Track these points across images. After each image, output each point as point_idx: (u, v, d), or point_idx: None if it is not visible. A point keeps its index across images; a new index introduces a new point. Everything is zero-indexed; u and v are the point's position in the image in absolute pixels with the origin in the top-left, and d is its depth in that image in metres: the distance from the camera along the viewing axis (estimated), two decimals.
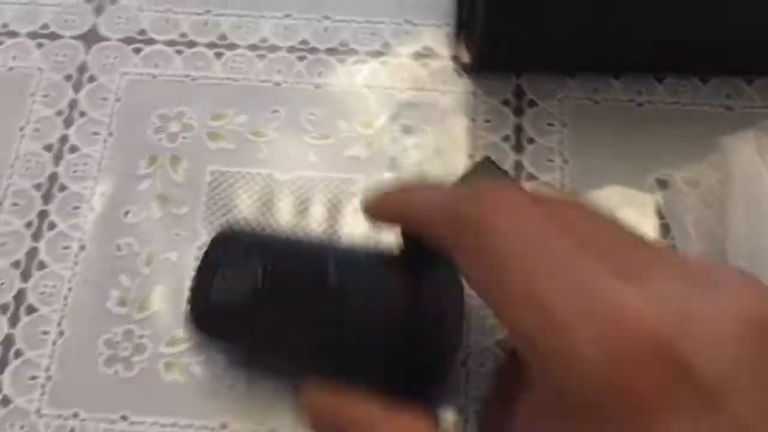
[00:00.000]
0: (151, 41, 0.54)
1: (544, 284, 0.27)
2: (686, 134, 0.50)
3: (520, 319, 0.28)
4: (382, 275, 0.39)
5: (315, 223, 0.48)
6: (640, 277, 0.27)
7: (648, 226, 0.47)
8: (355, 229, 0.47)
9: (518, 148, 0.50)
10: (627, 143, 0.50)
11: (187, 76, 0.52)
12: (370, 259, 0.40)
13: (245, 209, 0.48)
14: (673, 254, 0.29)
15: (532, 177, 0.49)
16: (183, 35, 0.54)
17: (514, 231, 0.29)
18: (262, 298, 0.39)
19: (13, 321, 0.45)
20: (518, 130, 0.50)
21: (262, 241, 0.41)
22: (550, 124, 0.51)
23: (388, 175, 0.49)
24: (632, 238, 0.31)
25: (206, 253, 0.41)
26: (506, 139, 0.50)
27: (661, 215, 0.47)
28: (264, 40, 0.54)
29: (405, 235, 0.38)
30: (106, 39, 0.54)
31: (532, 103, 0.51)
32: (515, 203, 0.30)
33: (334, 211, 0.48)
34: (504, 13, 0.47)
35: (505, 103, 0.51)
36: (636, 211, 0.48)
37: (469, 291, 0.39)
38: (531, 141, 0.50)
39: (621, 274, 0.27)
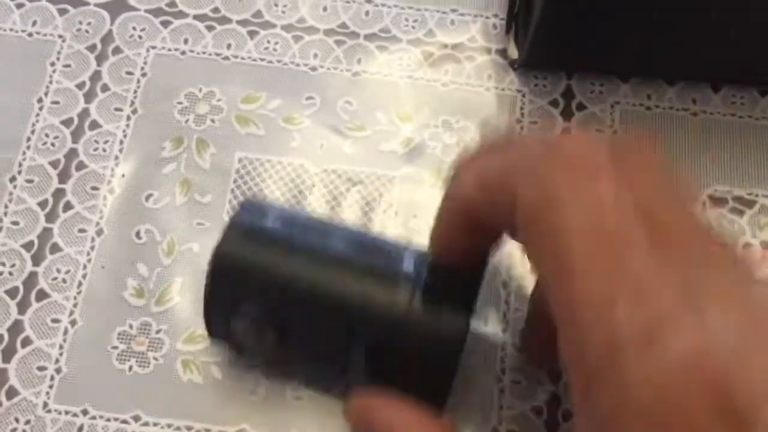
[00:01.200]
0: (180, 14, 0.51)
1: (608, 295, 0.25)
2: (743, 148, 0.47)
3: (578, 340, 0.26)
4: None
5: (347, 218, 0.45)
6: (706, 297, 0.24)
7: None
8: (389, 229, 0.44)
9: None
10: (679, 154, 0.47)
11: (218, 54, 0.49)
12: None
13: (275, 199, 0.45)
14: (742, 267, 0.26)
15: None
16: (215, 10, 0.51)
17: (584, 223, 0.26)
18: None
19: (23, 307, 0.43)
20: (567, 133, 0.48)
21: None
22: (599, 130, 0.48)
23: (427, 175, 0.46)
24: (704, 234, 0.27)
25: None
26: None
27: None
28: (301, 21, 0.51)
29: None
30: (134, 9, 0.51)
31: (581, 106, 0.48)
32: (589, 174, 0.27)
33: (367, 208, 0.45)
34: (562, 6, 0.44)
35: (554, 104, 0.48)
36: None
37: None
38: None
39: (687, 293, 0.24)
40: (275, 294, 0.36)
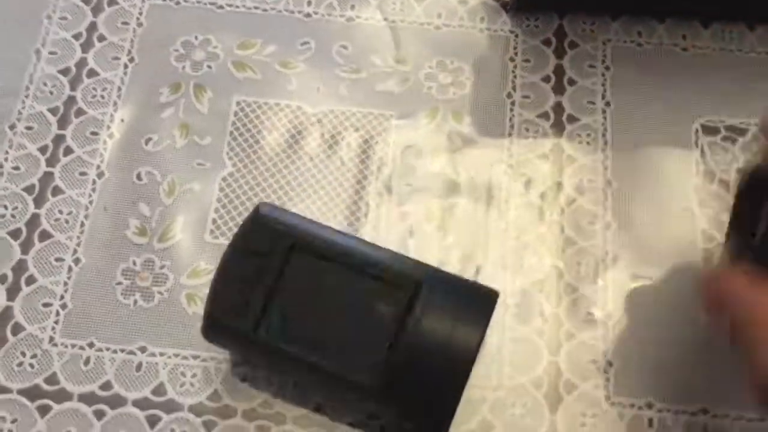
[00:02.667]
0: None
1: None
2: (732, 81, 0.48)
3: None
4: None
5: (345, 158, 0.45)
6: None
7: (690, 173, 0.45)
8: (386, 165, 0.45)
9: (559, 89, 0.48)
10: (671, 88, 0.48)
11: (212, 3, 0.50)
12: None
13: (272, 141, 0.46)
14: None
15: (573, 118, 0.47)
16: None
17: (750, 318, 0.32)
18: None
19: (26, 247, 0.43)
20: (559, 71, 0.48)
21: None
22: (591, 66, 0.48)
23: (422, 114, 0.46)
24: None
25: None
26: (547, 79, 0.48)
27: (704, 162, 0.45)
28: None
29: None
30: None
31: (573, 45, 0.49)
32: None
33: (365, 146, 0.46)
34: None
35: (546, 43, 0.49)
36: (679, 157, 0.45)
37: None
38: (572, 82, 0.48)
39: None
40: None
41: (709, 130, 0.46)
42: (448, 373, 0.34)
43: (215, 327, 0.37)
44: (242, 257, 0.36)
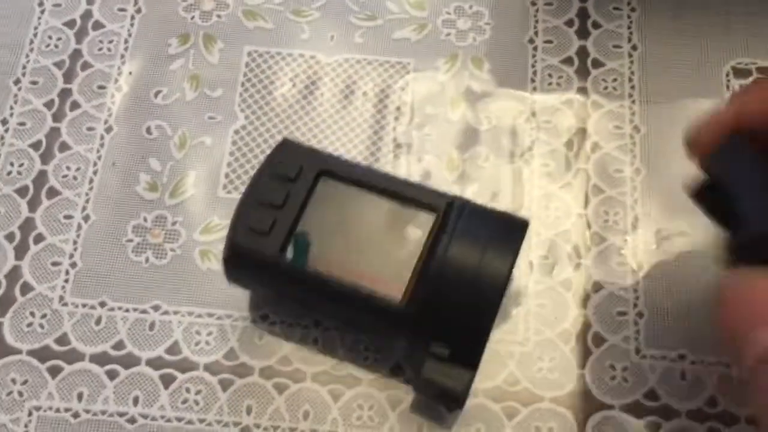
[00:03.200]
0: None
1: None
2: (764, 19, 0.46)
3: None
4: None
5: (362, 108, 0.43)
6: None
7: None
8: (404, 115, 0.43)
9: (583, 32, 0.46)
10: (702, 28, 0.46)
11: None
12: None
13: (286, 92, 0.44)
14: None
15: (598, 63, 0.45)
16: None
17: None
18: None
19: (33, 205, 0.42)
20: (583, 13, 0.46)
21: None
22: (617, 8, 0.46)
23: (441, 61, 0.45)
24: None
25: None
26: (570, 23, 0.46)
27: None
28: None
29: None
30: None
31: None
32: None
33: (382, 95, 0.44)
34: None
35: None
36: (709, 102, 0.43)
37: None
38: (597, 25, 0.46)
39: None
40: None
41: (741, 73, 0.44)
42: (479, 297, 0.33)
43: (239, 253, 0.35)
44: (269, 181, 0.36)
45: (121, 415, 0.38)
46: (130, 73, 0.45)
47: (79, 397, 0.38)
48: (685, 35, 0.45)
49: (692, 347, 0.39)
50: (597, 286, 0.40)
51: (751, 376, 0.28)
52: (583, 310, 0.39)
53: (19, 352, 0.39)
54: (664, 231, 0.41)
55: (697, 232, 0.41)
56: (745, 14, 0.46)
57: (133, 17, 0.46)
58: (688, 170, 0.33)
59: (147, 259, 0.40)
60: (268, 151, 0.42)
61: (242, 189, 0.41)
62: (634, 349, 0.39)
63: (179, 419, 0.38)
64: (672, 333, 0.39)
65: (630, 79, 0.44)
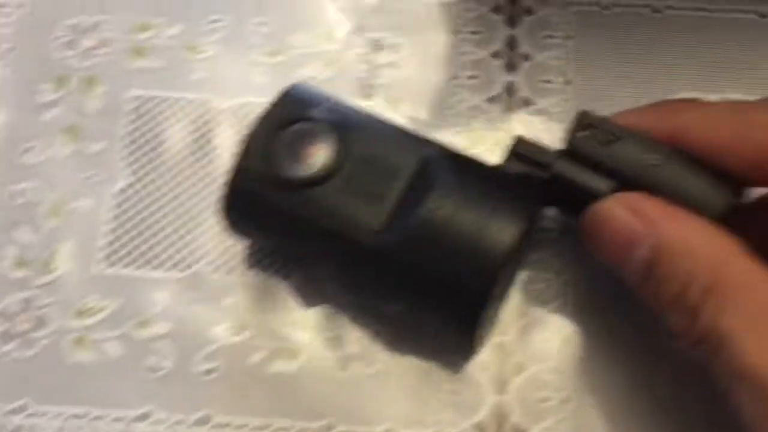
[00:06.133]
0: None
1: None
2: (712, 47, 0.42)
3: None
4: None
5: None
6: None
7: None
8: None
9: (511, 66, 0.41)
10: (643, 59, 0.41)
11: None
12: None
13: (177, 143, 0.39)
14: None
15: (527, 102, 0.40)
16: None
17: None
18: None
19: None
20: (511, 43, 0.41)
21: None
22: (549, 36, 0.42)
23: (353, 101, 0.40)
24: None
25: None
26: (497, 55, 0.41)
27: None
28: None
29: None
30: None
31: (528, 11, 0.42)
32: None
33: None
34: None
35: (496, 10, 0.42)
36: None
37: None
38: (526, 57, 0.41)
39: None
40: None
41: None
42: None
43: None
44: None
45: None
46: None
47: None
48: (625, 67, 0.41)
49: None
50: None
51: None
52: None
53: None
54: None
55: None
56: (687, 41, 0.41)
57: (2, 58, 0.41)
58: None
59: (12, 351, 0.35)
60: (158, 215, 0.37)
61: (127, 261, 0.37)
62: None
63: None
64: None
65: (562, 121, 0.39)
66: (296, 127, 0.32)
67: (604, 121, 0.31)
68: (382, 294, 0.33)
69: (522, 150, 0.33)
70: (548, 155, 0.32)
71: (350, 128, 0.32)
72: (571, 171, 0.32)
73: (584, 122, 0.31)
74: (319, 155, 0.32)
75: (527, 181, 0.32)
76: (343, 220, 0.31)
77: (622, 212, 0.29)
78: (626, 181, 0.31)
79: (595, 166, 0.31)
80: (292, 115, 0.32)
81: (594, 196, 0.31)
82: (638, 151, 0.31)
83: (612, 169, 0.31)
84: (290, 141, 0.32)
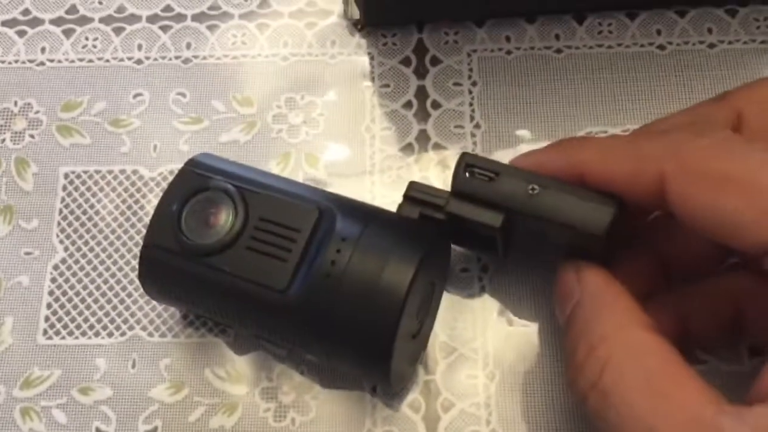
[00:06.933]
0: None
1: None
2: (613, 82, 0.43)
3: None
4: None
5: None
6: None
7: None
8: None
9: (422, 115, 0.43)
10: (548, 99, 0.43)
11: (31, 60, 0.45)
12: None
13: (108, 214, 0.41)
14: None
15: (439, 147, 0.42)
16: (25, 12, 0.46)
17: None
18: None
19: None
20: (422, 93, 0.43)
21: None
22: (457, 84, 0.44)
23: (273, 162, 0.42)
24: None
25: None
26: (408, 105, 0.43)
27: None
28: (121, 10, 0.46)
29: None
30: None
31: (435, 61, 0.44)
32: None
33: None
34: None
35: (406, 62, 0.44)
36: None
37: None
38: (436, 105, 0.43)
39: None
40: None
41: None
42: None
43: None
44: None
45: None
46: None
47: None
48: (531, 108, 0.43)
49: None
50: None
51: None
52: None
53: None
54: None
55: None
56: (593, 78, 0.43)
57: None
58: None
59: None
60: (92, 287, 0.39)
61: (65, 333, 0.39)
62: None
63: None
64: None
65: None
66: (198, 197, 0.34)
67: (483, 159, 0.33)
68: (300, 345, 0.35)
69: (415, 194, 0.35)
70: (441, 197, 0.35)
71: (250, 193, 0.34)
72: (463, 209, 0.34)
73: (466, 163, 0.34)
74: (222, 222, 0.34)
75: (423, 222, 0.35)
76: (250, 282, 0.33)
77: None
78: (511, 212, 0.33)
79: (483, 202, 0.33)
80: (194, 186, 0.34)
81: (487, 229, 0.33)
82: (517, 183, 0.33)
83: (497, 202, 0.33)
84: (193, 211, 0.34)
